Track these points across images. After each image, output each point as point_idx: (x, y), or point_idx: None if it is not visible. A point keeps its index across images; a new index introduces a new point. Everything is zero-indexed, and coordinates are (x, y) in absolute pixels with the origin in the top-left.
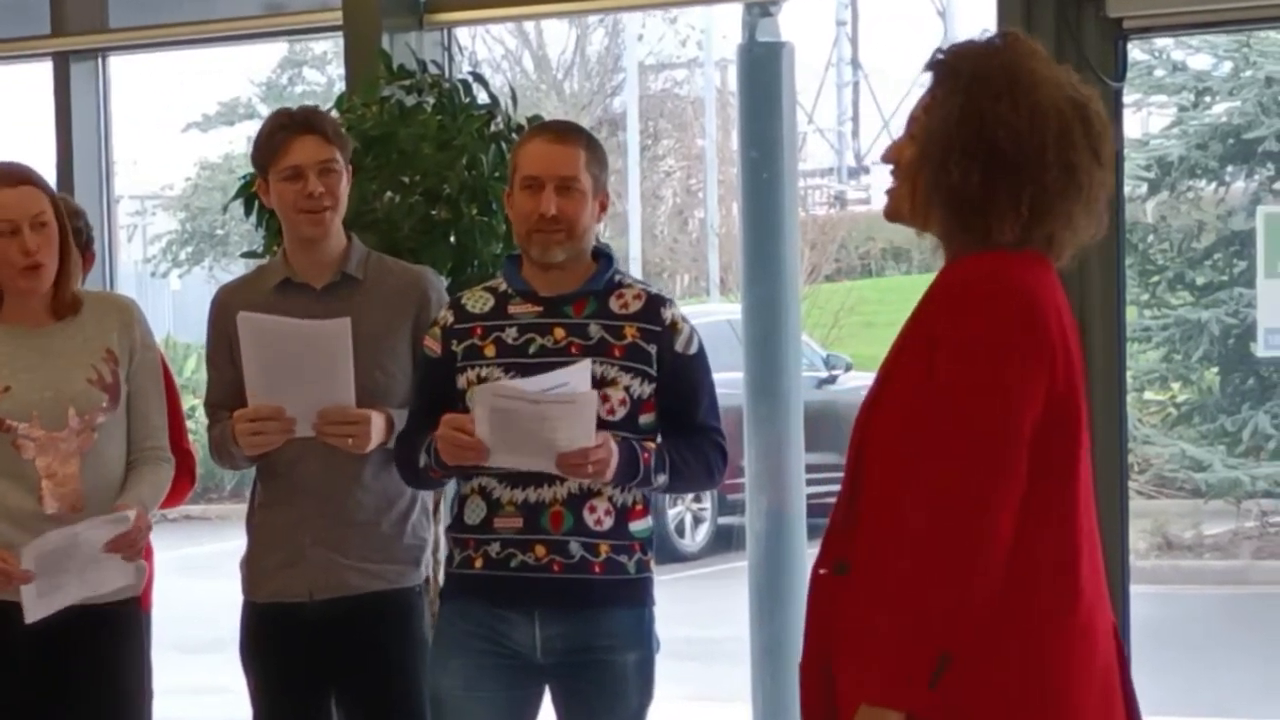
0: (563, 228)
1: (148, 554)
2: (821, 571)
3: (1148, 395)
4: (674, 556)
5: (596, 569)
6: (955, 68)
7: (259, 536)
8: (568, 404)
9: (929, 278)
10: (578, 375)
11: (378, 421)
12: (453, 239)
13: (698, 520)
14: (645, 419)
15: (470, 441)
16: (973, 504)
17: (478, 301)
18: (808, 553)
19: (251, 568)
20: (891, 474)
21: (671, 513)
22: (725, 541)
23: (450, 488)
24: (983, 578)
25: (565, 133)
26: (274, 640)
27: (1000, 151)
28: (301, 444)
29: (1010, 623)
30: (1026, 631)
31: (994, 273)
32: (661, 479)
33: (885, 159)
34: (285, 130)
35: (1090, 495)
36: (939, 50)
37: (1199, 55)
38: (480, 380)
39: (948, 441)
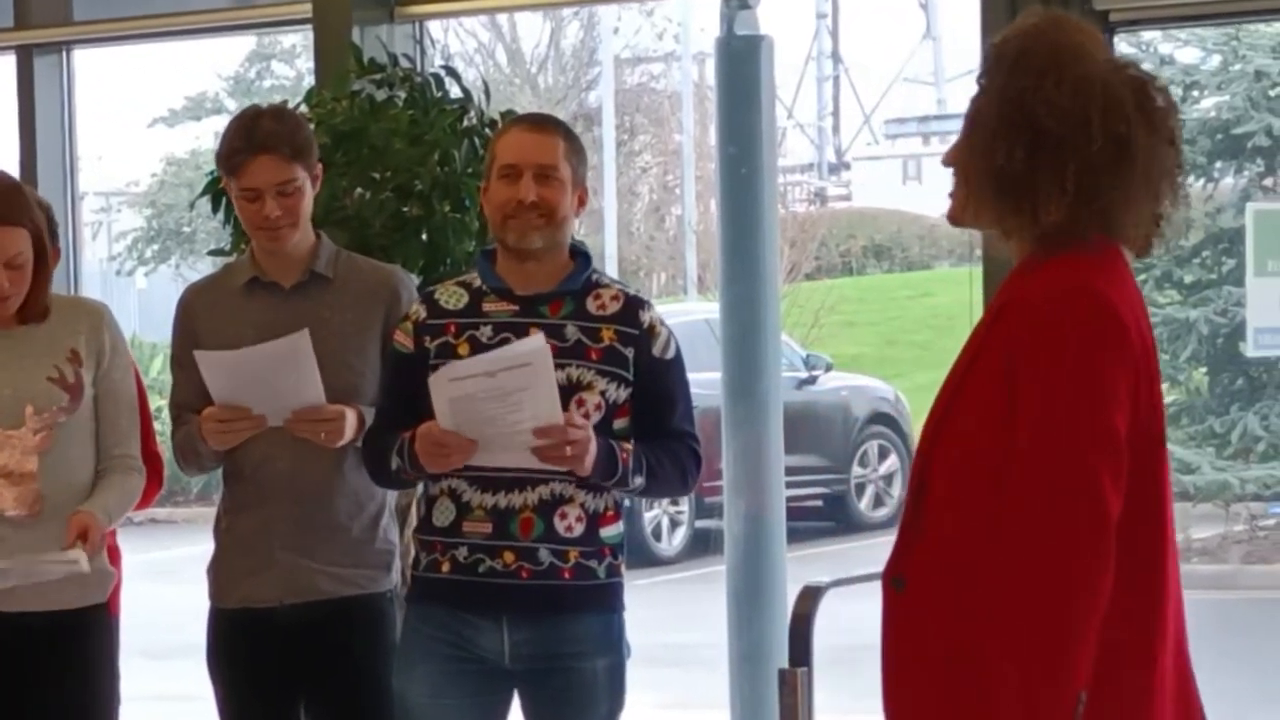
0: (542, 213)
1: (115, 558)
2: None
3: None
4: (650, 560)
5: (565, 574)
6: (1000, 53)
7: (226, 541)
8: (523, 367)
9: (910, 277)
10: (529, 345)
11: (350, 417)
12: (425, 236)
13: (675, 523)
14: (620, 424)
15: (455, 443)
16: (1086, 520)
17: (451, 297)
18: (786, 557)
19: (219, 573)
20: (959, 500)
21: (648, 516)
22: (703, 545)
23: (419, 488)
24: (1100, 606)
25: (544, 123)
26: (242, 647)
27: (1043, 129)
28: (269, 446)
29: (1109, 664)
30: (1120, 676)
31: (1074, 287)
32: (639, 480)
33: (944, 162)
34: (241, 153)
35: (1170, 515)
36: (993, 38)
37: (1187, 49)
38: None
39: (1050, 458)
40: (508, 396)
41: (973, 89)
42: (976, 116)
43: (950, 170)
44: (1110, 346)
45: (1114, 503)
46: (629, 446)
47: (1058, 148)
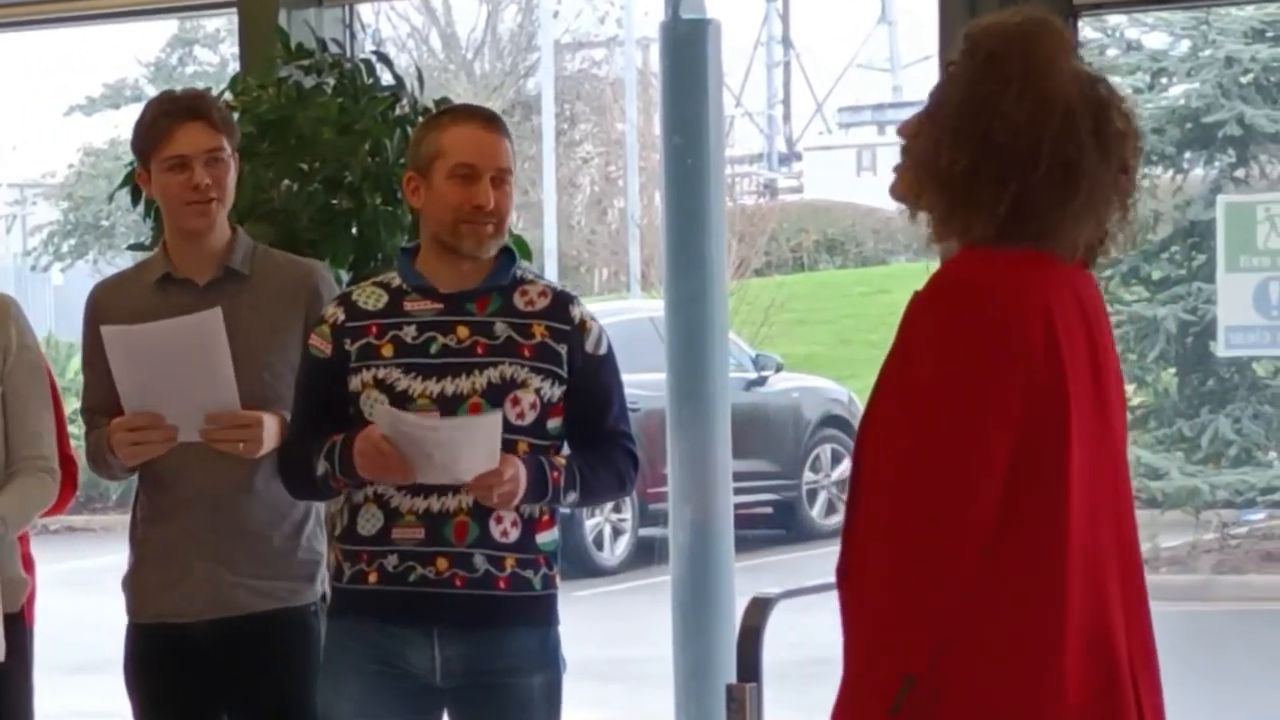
0: (494, 221)
1: (29, 566)
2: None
3: None
4: (592, 570)
5: (501, 584)
6: (976, 44)
7: (142, 552)
8: (474, 430)
9: (865, 272)
10: (488, 423)
11: (270, 424)
12: (355, 230)
13: (617, 532)
14: (553, 423)
15: (396, 461)
16: (932, 527)
17: (369, 298)
18: (735, 566)
19: (135, 586)
20: (876, 485)
21: (589, 524)
22: (647, 555)
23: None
24: (941, 603)
25: (495, 121)
26: (160, 663)
27: (993, 142)
28: (186, 452)
29: (978, 647)
30: (996, 658)
31: (966, 279)
32: (572, 496)
33: (899, 132)
34: (169, 117)
35: (1089, 507)
36: (973, 22)
37: (1154, 33)
38: (378, 382)
39: (911, 462)
40: (450, 445)
41: (932, 76)
42: (938, 107)
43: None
44: (993, 355)
45: (968, 514)
46: (561, 463)
47: (1003, 164)
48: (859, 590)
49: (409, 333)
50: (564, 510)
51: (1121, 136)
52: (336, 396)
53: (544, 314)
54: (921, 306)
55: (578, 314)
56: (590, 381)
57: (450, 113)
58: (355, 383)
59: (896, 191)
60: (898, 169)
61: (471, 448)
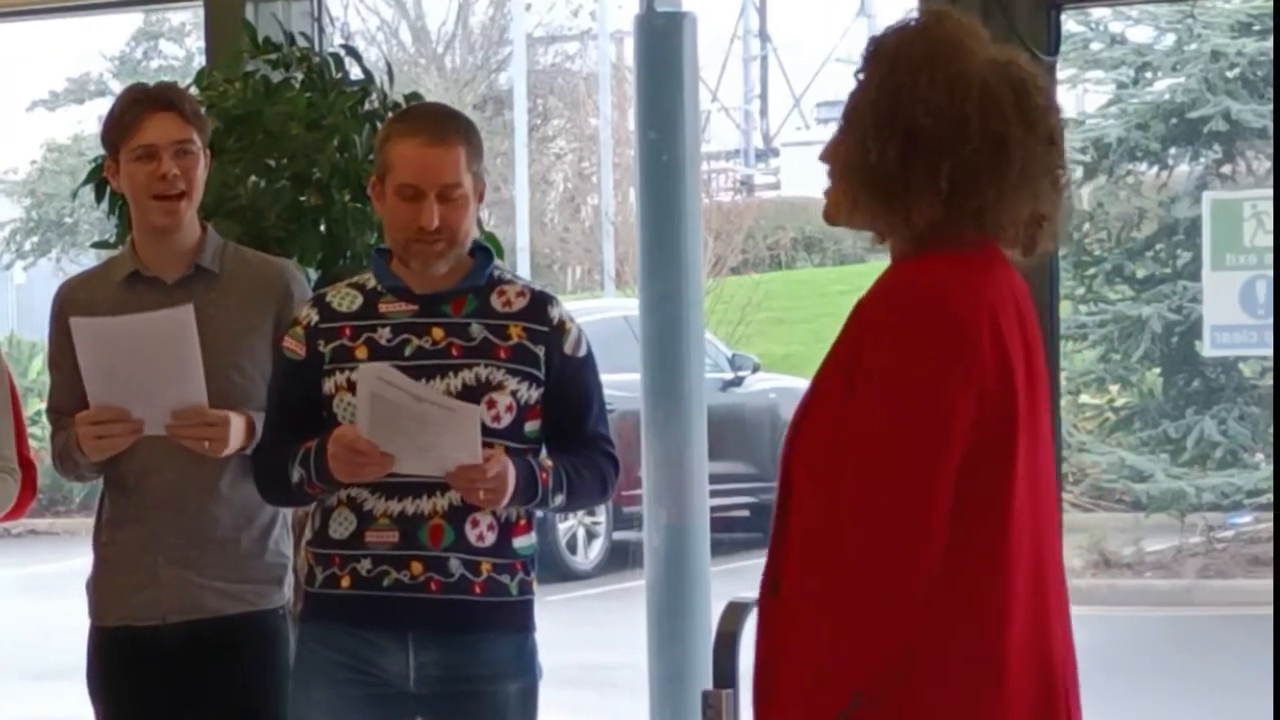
0: (444, 238)
1: None
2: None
3: (1084, 399)
4: (565, 575)
5: (477, 589)
6: (879, 48)
7: (107, 555)
8: (448, 412)
9: (843, 271)
10: (466, 413)
11: (237, 423)
12: (323, 227)
13: (591, 535)
14: (530, 426)
15: (372, 453)
16: (885, 549)
17: (344, 299)
18: (711, 571)
19: (99, 589)
20: (817, 494)
21: (563, 527)
22: (621, 559)
23: None
24: (898, 617)
25: (443, 133)
26: (124, 667)
27: (918, 127)
28: (152, 453)
29: (924, 663)
30: (940, 674)
31: (917, 282)
32: (559, 499)
33: (820, 158)
34: (139, 105)
35: (1033, 519)
36: (871, 38)
37: (1139, 27)
38: (352, 385)
39: (867, 470)
40: (428, 425)
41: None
42: (852, 113)
43: (826, 167)
44: (947, 361)
45: (922, 528)
46: (549, 465)
47: (933, 146)
48: (796, 607)
49: (383, 335)
50: (539, 514)
51: (1044, 110)
52: (310, 400)
53: (521, 315)
54: (873, 314)
55: (556, 315)
56: (569, 384)
57: (401, 119)
58: (329, 385)
59: (829, 214)
60: (827, 191)
61: (452, 433)
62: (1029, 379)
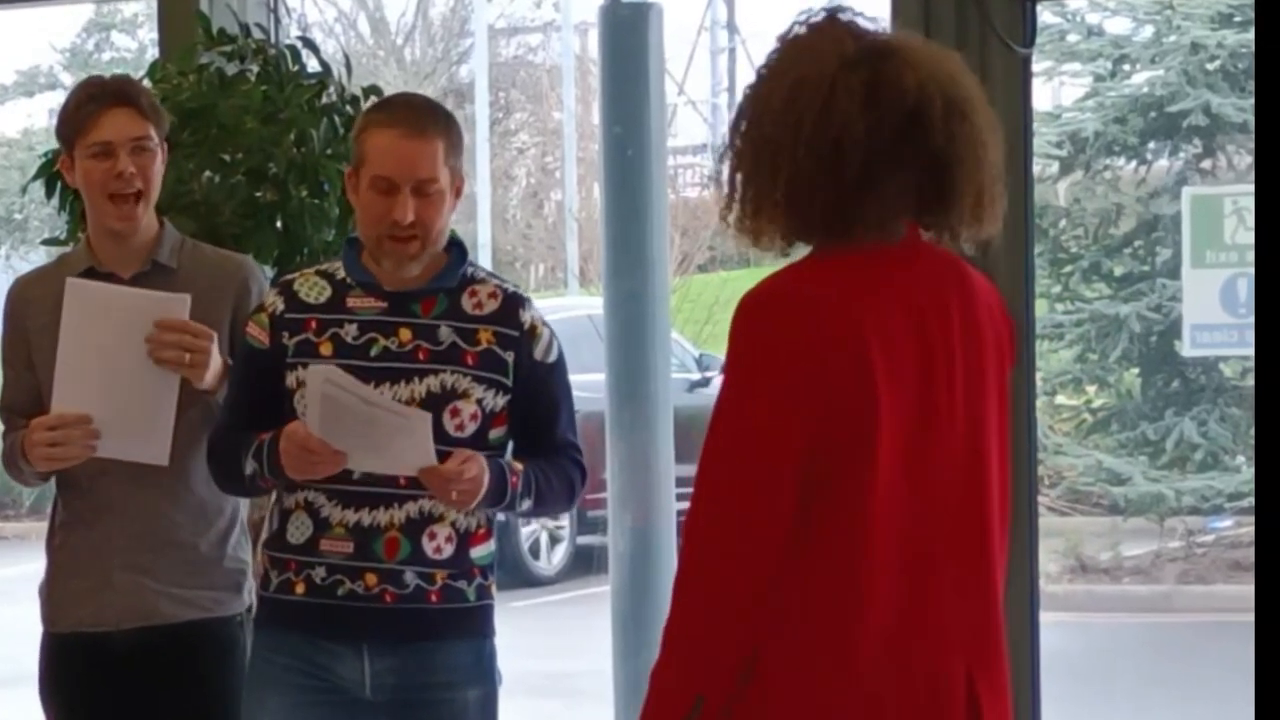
0: (418, 235)
1: None
2: None
3: (1060, 400)
4: (528, 580)
5: (432, 598)
6: (765, 58)
7: (60, 559)
8: (398, 417)
9: None
10: (416, 421)
11: (217, 355)
12: (280, 224)
13: (555, 540)
14: (496, 433)
15: (324, 451)
16: (717, 546)
17: (312, 289)
18: None
19: (52, 594)
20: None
21: (525, 532)
22: (585, 564)
23: (271, 497)
24: (731, 621)
25: (423, 126)
26: (77, 675)
27: (762, 136)
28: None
29: (772, 668)
30: (787, 680)
31: (762, 291)
32: (526, 504)
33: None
34: (96, 101)
35: (910, 527)
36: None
37: (1117, 19)
38: None
39: (705, 476)
40: (379, 428)
41: None
42: (733, 131)
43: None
44: (788, 358)
45: (754, 531)
46: (519, 468)
47: (774, 156)
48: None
49: (350, 331)
50: (500, 519)
51: (908, 91)
52: (270, 389)
53: (492, 319)
54: (738, 315)
55: (528, 319)
56: (538, 390)
57: (381, 109)
58: (290, 379)
59: (735, 233)
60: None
61: (404, 437)
62: (927, 385)
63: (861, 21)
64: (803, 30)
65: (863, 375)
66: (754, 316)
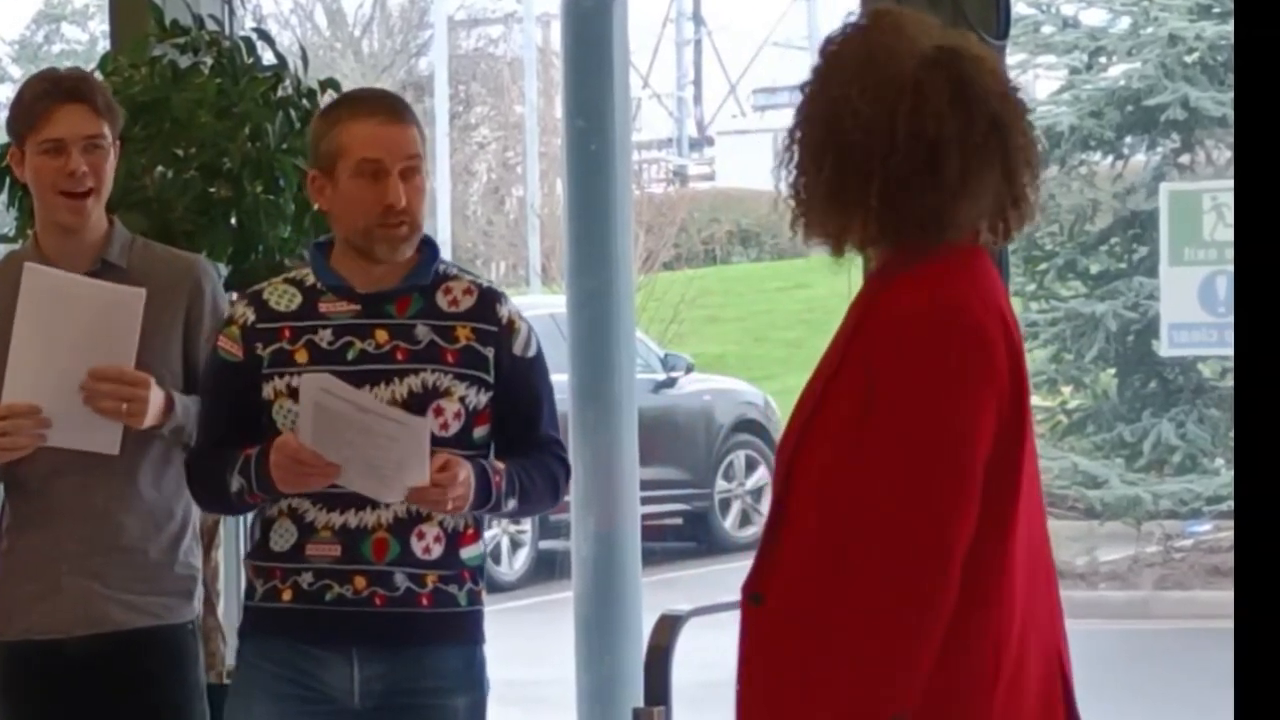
0: (407, 220)
1: None
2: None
3: (1035, 401)
4: (489, 586)
5: (423, 601)
6: (822, 59)
7: (8, 564)
8: (395, 424)
9: (781, 266)
10: (415, 426)
11: (156, 393)
12: (234, 221)
13: (516, 544)
14: (480, 432)
15: (316, 463)
16: (929, 553)
17: (282, 297)
18: (642, 581)
19: (0, 600)
20: (826, 513)
21: (486, 535)
22: (547, 569)
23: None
24: (936, 632)
25: (399, 111)
26: (27, 683)
27: (849, 142)
28: (57, 456)
29: (942, 684)
30: (958, 693)
31: (937, 300)
32: (511, 504)
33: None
34: (50, 97)
35: (1026, 529)
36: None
37: (1092, 10)
38: (292, 390)
39: (900, 484)
40: (374, 437)
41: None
42: (800, 129)
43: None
44: (978, 378)
45: (958, 547)
46: (501, 468)
47: (864, 159)
48: (798, 623)
49: (324, 337)
50: (488, 520)
51: (987, 96)
52: (248, 403)
53: (469, 315)
54: (891, 331)
55: (505, 313)
56: (519, 386)
57: (349, 103)
58: (268, 390)
59: (805, 236)
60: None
61: (400, 445)
62: (1022, 378)
63: (916, 18)
64: (862, 28)
65: (1017, 378)
66: (924, 329)
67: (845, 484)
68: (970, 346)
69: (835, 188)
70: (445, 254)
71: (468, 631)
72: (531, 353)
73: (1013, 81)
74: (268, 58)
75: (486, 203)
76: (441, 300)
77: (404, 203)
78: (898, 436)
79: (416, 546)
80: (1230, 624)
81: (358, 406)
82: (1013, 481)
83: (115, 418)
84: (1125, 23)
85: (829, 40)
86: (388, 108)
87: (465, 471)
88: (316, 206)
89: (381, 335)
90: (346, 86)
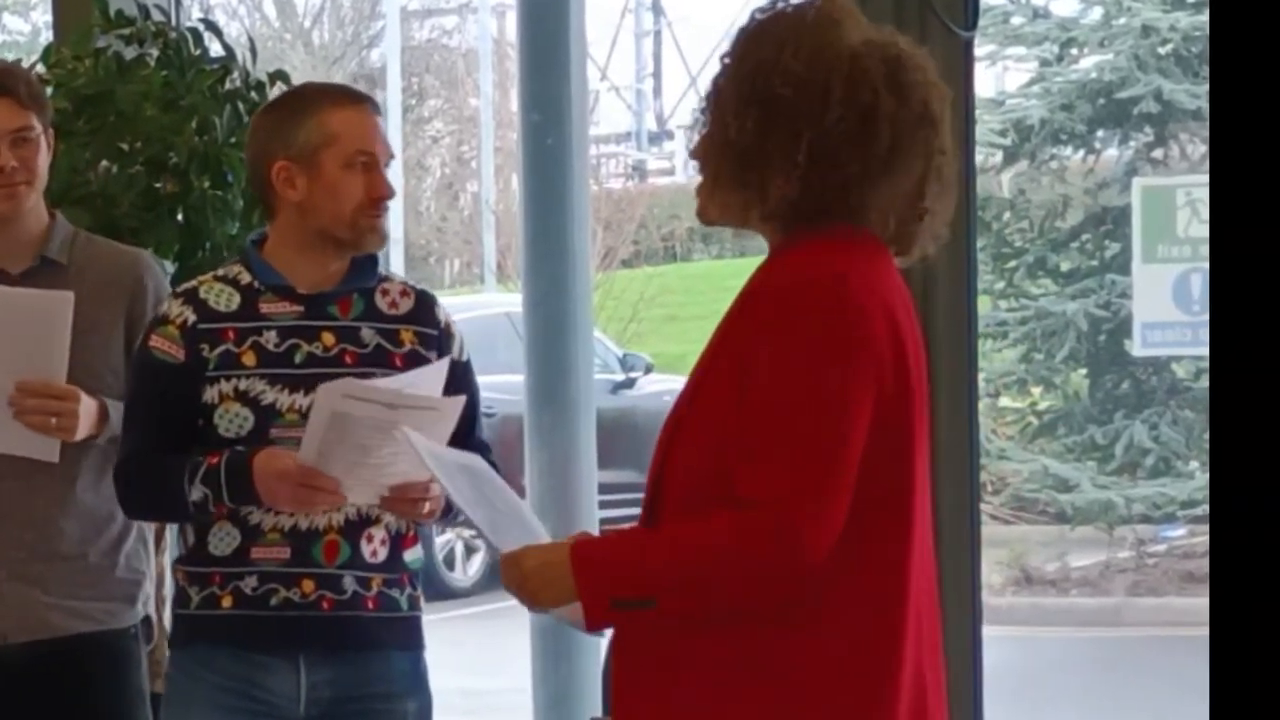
0: (385, 212)
1: None
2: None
3: (1004, 402)
4: (442, 593)
5: (369, 604)
6: (747, 28)
7: None
8: (428, 410)
9: (742, 263)
10: (430, 377)
11: (88, 404)
12: (180, 216)
13: (470, 550)
14: None
15: (329, 486)
16: (782, 534)
17: (219, 296)
18: None
19: None
20: (702, 500)
21: (440, 542)
22: None
23: None
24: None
25: (369, 100)
26: None
27: (777, 97)
28: None
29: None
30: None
31: (817, 277)
32: (463, 513)
33: (691, 155)
34: None
35: (925, 524)
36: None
37: (1064, 0)
38: (240, 394)
39: (765, 466)
40: (390, 438)
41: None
42: (715, 96)
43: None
44: (851, 348)
45: (818, 535)
46: None
47: (792, 116)
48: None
49: (270, 339)
50: (430, 526)
51: (920, 85)
52: (188, 407)
53: (410, 318)
54: (765, 309)
55: (443, 317)
56: (459, 390)
57: (327, 94)
58: (212, 394)
59: (701, 208)
60: (699, 187)
61: (424, 435)
62: (923, 373)
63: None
64: (799, 6)
65: (900, 365)
66: (817, 294)
67: (715, 467)
68: (840, 323)
69: (757, 146)
70: (398, 251)
71: (412, 636)
72: (466, 356)
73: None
74: (215, 49)
75: (440, 198)
76: (381, 302)
77: (392, 194)
78: (763, 416)
79: (365, 549)
80: (1205, 632)
81: (386, 404)
82: (905, 484)
83: (44, 432)
84: (1097, 13)
85: (753, 13)
86: (369, 100)
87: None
88: (283, 197)
89: (328, 338)
90: (296, 79)
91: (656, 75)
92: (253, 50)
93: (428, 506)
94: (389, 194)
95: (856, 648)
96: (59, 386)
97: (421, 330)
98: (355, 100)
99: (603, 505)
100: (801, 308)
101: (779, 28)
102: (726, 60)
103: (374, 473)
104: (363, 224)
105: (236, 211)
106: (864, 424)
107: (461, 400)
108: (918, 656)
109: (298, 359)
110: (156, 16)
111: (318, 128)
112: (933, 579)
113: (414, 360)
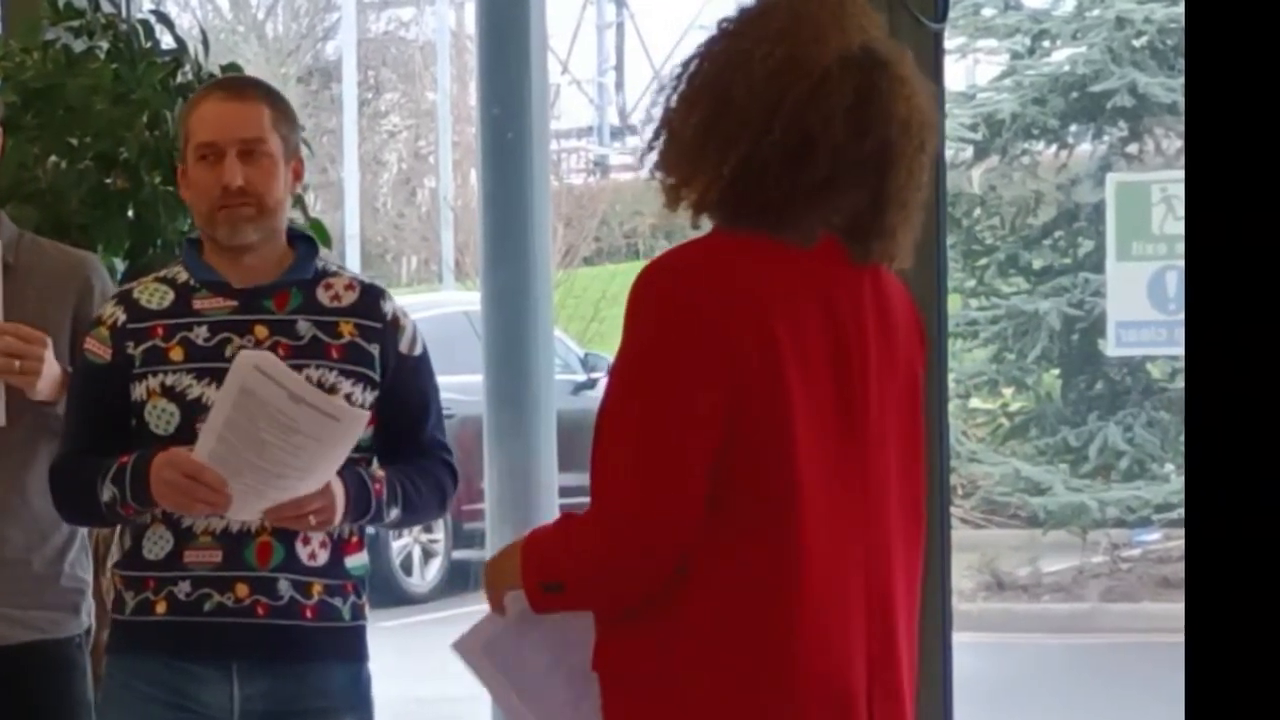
0: (251, 201)
1: None
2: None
3: (974, 403)
4: (400, 598)
5: (308, 613)
6: (746, 9)
7: None
8: (330, 420)
9: None
10: (350, 420)
11: (53, 363)
12: (131, 213)
13: (428, 554)
14: (366, 433)
15: (216, 484)
16: (632, 526)
17: (153, 295)
18: None
19: None
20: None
21: (396, 546)
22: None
23: None
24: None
25: (242, 87)
26: None
27: (729, 99)
28: None
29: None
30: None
31: (665, 265)
32: (394, 513)
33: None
34: None
35: (848, 520)
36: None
37: None
38: (166, 389)
39: (600, 465)
40: (293, 434)
41: None
42: (687, 64)
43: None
44: (684, 343)
45: (652, 536)
46: (382, 475)
47: (737, 123)
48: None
49: (200, 334)
50: (371, 531)
51: (885, 117)
52: (116, 407)
53: (352, 310)
54: (641, 282)
55: (390, 310)
56: (406, 385)
57: (202, 92)
58: (139, 391)
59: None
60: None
61: (319, 446)
62: (843, 387)
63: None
64: None
65: (767, 356)
66: (659, 283)
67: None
68: (669, 307)
69: (694, 142)
70: (354, 248)
71: (353, 648)
72: (418, 351)
73: (934, 120)
74: (166, 41)
75: (397, 194)
76: (323, 295)
77: (240, 183)
78: (611, 407)
79: (302, 552)
80: (1180, 638)
81: (291, 395)
82: (785, 491)
83: (5, 374)
84: (1070, 5)
85: (749, 4)
86: (228, 86)
87: (334, 489)
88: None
89: (261, 331)
90: (250, 72)
91: (619, 69)
92: (205, 43)
93: (314, 519)
94: (230, 182)
95: (736, 650)
96: (26, 329)
97: (363, 323)
98: (209, 91)
99: (563, 508)
100: (641, 299)
101: (769, 23)
102: (715, 33)
103: (263, 481)
104: (219, 217)
105: (188, 208)
106: (702, 417)
107: (365, 416)
108: (835, 661)
109: (228, 353)
110: (107, 8)
111: (183, 126)
112: (888, 580)
113: (353, 352)
